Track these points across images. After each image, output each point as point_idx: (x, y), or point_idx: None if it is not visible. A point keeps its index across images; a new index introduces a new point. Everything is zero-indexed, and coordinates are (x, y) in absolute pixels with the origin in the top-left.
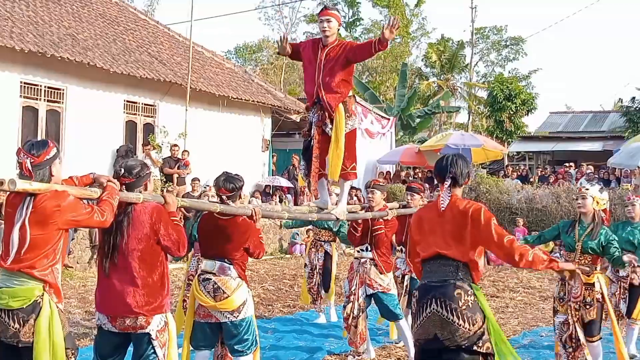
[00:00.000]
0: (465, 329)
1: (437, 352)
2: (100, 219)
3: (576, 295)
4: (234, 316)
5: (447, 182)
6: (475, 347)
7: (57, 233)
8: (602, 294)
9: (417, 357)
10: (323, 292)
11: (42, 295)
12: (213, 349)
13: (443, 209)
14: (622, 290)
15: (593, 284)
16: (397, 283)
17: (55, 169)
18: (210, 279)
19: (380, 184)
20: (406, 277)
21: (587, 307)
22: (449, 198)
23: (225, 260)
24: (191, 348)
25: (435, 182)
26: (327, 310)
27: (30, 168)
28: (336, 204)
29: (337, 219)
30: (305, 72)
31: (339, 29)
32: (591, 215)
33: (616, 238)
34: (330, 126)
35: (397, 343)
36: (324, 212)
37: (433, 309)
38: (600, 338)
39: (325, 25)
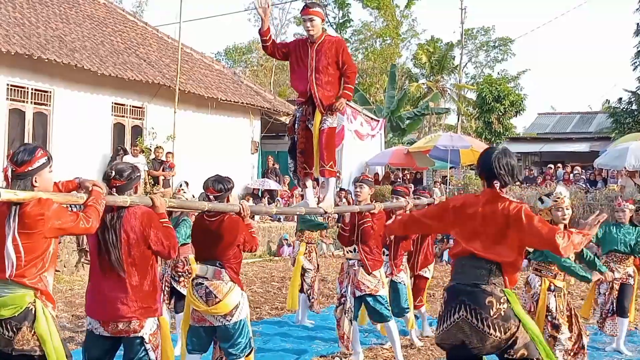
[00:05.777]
0: (497, 337)
1: (465, 358)
2: (85, 225)
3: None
4: (227, 320)
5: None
6: (506, 355)
7: (44, 242)
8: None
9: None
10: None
11: (34, 302)
12: (204, 353)
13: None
14: (610, 291)
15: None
16: None
17: (40, 179)
18: (203, 284)
19: (369, 179)
20: (387, 280)
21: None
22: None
23: (218, 264)
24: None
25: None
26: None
27: (9, 177)
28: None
29: (325, 212)
30: (295, 71)
31: (324, 22)
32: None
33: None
34: (312, 122)
35: (383, 344)
36: (311, 207)
37: (462, 315)
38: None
39: (308, 25)
